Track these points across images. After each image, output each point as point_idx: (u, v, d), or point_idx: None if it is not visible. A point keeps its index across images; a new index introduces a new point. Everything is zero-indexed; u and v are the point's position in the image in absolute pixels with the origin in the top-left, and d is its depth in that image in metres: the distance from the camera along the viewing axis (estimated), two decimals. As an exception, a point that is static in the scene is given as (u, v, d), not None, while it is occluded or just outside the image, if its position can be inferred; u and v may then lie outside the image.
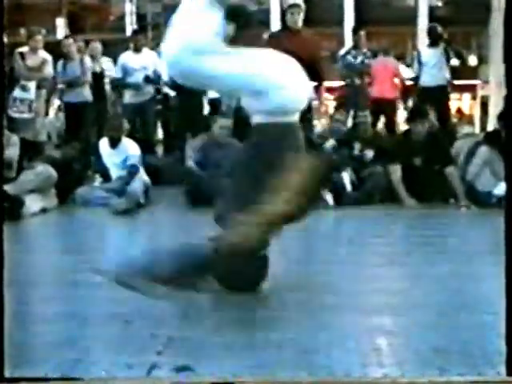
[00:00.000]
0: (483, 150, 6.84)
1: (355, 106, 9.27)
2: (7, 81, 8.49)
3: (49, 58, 8.85)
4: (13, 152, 7.33)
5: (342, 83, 9.73)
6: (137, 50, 9.59)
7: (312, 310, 3.12)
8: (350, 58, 9.49)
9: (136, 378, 2.34)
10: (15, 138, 7.51)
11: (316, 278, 3.81)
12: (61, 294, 3.67)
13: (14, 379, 2.24)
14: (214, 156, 7.04)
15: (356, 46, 9.64)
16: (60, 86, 9.32)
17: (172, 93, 9.56)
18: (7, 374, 2.25)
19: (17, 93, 8.43)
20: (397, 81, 10.36)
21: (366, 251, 4.69)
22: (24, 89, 8.43)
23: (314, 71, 7.13)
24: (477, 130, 24.43)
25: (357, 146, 7.41)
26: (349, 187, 6.92)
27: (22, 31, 17.05)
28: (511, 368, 2.16)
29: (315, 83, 7.14)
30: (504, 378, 2.20)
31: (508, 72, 2.35)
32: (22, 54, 8.61)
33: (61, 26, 23.05)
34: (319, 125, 10.48)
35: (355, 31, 9.96)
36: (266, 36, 8.39)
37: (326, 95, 9.75)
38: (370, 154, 7.40)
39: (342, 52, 9.94)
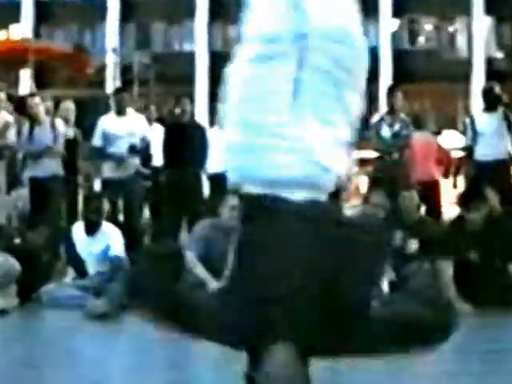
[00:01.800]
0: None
1: (394, 186, 9.38)
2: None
3: (12, 120, 9.03)
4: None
5: (377, 155, 9.88)
6: (120, 112, 9.74)
7: None
8: (384, 125, 9.66)
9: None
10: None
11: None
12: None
13: None
14: (222, 249, 7.05)
15: (392, 111, 9.82)
16: (23, 155, 9.47)
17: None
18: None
19: (-29, 164, 8.62)
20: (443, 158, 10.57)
21: (402, 372, 4.70)
22: (-20, 160, 8.62)
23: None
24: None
25: (398, 236, 7.49)
26: (386, 288, 6.97)
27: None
28: None
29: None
30: None
31: None
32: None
33: (25, 78, 23.52)
34: (347, 208, 10.57)
35: (391, 91, 10.17)
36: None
37: (356, 169, 9.88)
38: (413, 245, 7.48)
39: (375, 118, 10.10)
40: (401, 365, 4.66)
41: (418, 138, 10.41)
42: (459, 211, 7.80)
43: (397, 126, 9.66)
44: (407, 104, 10.27)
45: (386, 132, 9.63)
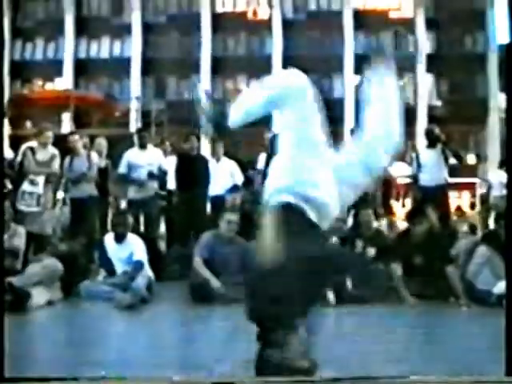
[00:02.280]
0: (482, 250, 6.97)
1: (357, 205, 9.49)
2: (17, 174, 8.71)
3: (57, 153, 9.07)
4: (19, 243, 7.49)
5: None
6: (142, 146, 9.84)
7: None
8: None
9: (136, 378, 2.37)
10: (21, 230, 7.69)
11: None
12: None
13: (14, 379, 2.27)
14: (221, 252, 7.16)
15: None
16: (65, 180, 9.51)
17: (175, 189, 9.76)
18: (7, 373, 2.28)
19: (25, 186, 8.63)
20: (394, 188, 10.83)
21: (366, 349, 4.76)
22: (33, 183, 8.64)
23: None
24: (476, 228, 24.59)
25: (359, 244, 7.55)
26: (350, 285, 7.02)
27: (29, 125, 17.41)
28: (511, 368, 2.20)
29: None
30: (504, 378, 2.24)
31: (509, 172, 2.49)
32: (32, 149, 8.86)
33: (66, 120, 23.54)
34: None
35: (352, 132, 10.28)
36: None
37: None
38: (371, 252, 7.54)
39: None
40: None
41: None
42: (407, 225, 7.87)
43: None
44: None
45: None
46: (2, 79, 3.56)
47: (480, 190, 30.04)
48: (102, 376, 2.40)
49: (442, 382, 2.30)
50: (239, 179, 9.98)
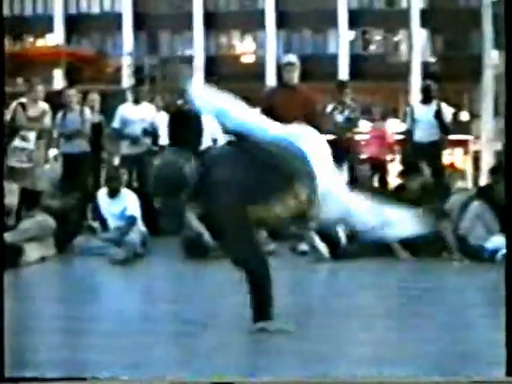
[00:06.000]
0: (475, 205, 6.97)
1: (352, 161, 9.49)
2: (8, 130, 8.62)
3: (48, 108, 8.99)
4: (12, 200, 7.45)
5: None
6: (136, 101, 9.76)
7: (305, 360, 3.21)
8: (336, 113, 9.70)
9: (136, 378, 2.38)
10: (14, 187, 7.64)
11: (311, 328, 3.90)
12: (56, 342, 3.75)
13: (13, 379, 2.27)
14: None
15: (341, 101, 9.84)
16: (58, 136, 9.45)
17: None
18: (7, 373, 2.29)
19: (17, 142, 8.55)
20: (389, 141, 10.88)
21: (359, 303, 4.78)
22: (24, 139, 8.56)
23: (312, 126, 7.31)
24: (469, 184, 24.65)
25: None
26: (344, 240, 7.02)
27: (20, 81, 17.26)
28: (511, 368, 2.20)
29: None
30: (504, 378, 2.25)
31: (508, 128, 2.45)
32: (22, 105, 8.76)
33: (58, 76, 23.33)
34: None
35: (339, 87, 10.19)
36: (263, 92, 8.59)
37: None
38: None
39: (328, 109, 10.05)
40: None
41: (373, 126, 10.67)
42: (400, 181, 7.85)
43: (347, 112, 9.71)
44: (360, 98, 10.31)
45: (338, 118, 9.69)
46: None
47: (473, 147, 30.15)
48: (103, 376, 2.39)
49: (442, 381, 2.30)
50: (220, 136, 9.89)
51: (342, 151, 9.24)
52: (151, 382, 2.40)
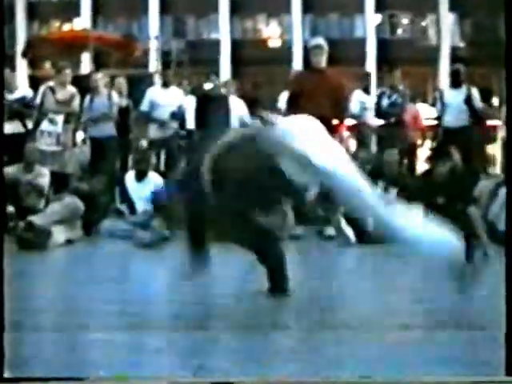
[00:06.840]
0: (505, 191, 6.90)
1: (385, 145, 9.42)
2: (37, 114, 8.67)
3: (76, 92, 9.02)
4: (44, 182, 7.52)
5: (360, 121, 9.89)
6: (165, 85, 9.80)
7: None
8: (384, 98, 9.60)
9: (136, 378, 2.40)
10: (45, 170, 7.71)
11: (338, 312, 3.91)
12: (83, 323, 3.78)
13: (13, 379, 2.29)
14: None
15: (392, 86, 9.75)
16: (85, 119, 9.48)
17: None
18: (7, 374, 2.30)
19: (45, 126, 8.60)
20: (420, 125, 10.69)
21: (386, 286, 4.77)
22: (52, 122, 8.60)
23: (338, 109, 7.30)
24: (498, 170, 24.42)
25: (380, 185, 7.48)
26: (371, 225, 6.97)
27: (48, 65, 17.34)
28: (511, 368, 2.20)
29: (338, 121, 7.31)
30: (504, 378, 2.24)
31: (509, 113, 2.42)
32: (51, 89, 8.80)
33: (85, 60, 23.39)
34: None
35: (390, 71, 10.12)
36: (291, 76, 8.55)
37: (346, 133, 9.86)
38: (392, 192, 7.48)
39: (377, 92, 10.02)
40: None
41: (407, 108, 10.51)
42: (429, 166, 7.79)
43: (394, 98, 9.61)
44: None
45: (384, 102, 9.59)
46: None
47: (502, 132, 29.84)
48: (104, 376, 2.40)
49: (441, 382, 2.28)
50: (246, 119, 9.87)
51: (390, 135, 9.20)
52: (151, 381, 2.41)
